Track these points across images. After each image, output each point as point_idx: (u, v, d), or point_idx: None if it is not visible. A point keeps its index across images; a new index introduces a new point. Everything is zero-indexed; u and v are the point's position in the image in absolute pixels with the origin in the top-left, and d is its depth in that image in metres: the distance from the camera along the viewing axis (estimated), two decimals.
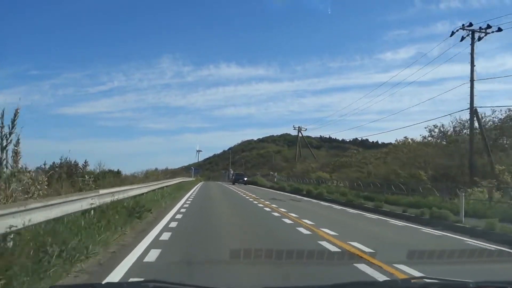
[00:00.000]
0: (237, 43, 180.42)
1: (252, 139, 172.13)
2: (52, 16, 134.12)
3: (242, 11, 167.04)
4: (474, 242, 8.55)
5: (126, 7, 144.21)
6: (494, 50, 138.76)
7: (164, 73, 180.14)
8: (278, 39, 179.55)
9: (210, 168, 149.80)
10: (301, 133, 60.59)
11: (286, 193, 29.23)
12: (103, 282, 2.61)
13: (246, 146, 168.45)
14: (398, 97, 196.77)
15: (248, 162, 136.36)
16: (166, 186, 23.57)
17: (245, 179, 51.89)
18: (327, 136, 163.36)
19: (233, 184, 47.91)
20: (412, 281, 2.23)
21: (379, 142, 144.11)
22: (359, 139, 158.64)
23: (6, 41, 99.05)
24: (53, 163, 42.71)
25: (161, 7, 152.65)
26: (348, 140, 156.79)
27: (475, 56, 21.37)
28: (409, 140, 43.81)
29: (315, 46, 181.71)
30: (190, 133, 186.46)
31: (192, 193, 23.26)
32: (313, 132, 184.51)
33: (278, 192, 31.59)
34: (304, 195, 26.21)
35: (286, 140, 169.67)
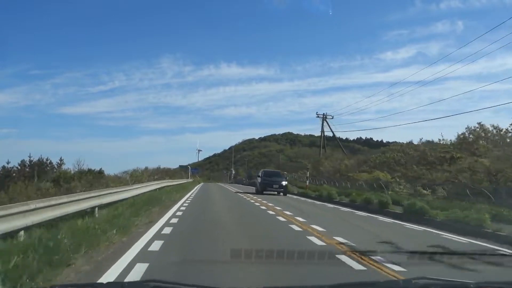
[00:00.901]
0: (238, 43, 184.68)
1: (254, 138, 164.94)
2: (53, 16, 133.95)
3: (242, 12, 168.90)
4: None
5: (126, 7, 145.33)
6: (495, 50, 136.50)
7: (164, 73, 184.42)
8: (279, 39, 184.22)
9: (211, 167, 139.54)
10: (327, 122, 46.82)
11: (357, 211, 15.29)
12: (104, 282, 2.25)
13: (248, 145, 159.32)
14: (398, 97, 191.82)
15: (249, 161, 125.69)
16: (117, 202, 9.88)
17: (284, 184, 26.15)
18: (331, 135, 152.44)
19: (260, 192, 25.81)
20: (413, 281, 2.16)
21: (384, 141, 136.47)
22: (363, 138, 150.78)
23: (7, 41, 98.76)
24: (22, 161, 28.75)
25: (161, 7, 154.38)
26: (351, 139, 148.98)
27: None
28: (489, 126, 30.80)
29: (315, 46, 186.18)
30: (191, 133, 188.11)
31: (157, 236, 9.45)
32: (316, 131, 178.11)
33: (336, 207, 17.54)
34: (405, 218, 12.38)
35: (289, 139, 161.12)
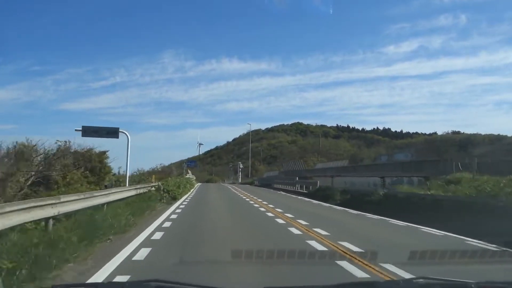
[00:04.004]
0: (239, 38, 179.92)
1: (260, 129, 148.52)
2: (54, 12, 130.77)
3: (244, 7, 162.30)
4: None
5: (127, 2, 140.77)
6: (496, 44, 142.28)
7: (166, 68, 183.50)
8: (280, 34, 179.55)
9: (212, 162, 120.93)
10: None
11: None
12: (105, 282, 2.25)
13: (254, 136, 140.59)
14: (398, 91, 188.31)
15: (257, 154, 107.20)
16: None
17: None
18: (346, 126, 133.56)
19: None
20: (414, 281, 2.17)
21: (403, 131, 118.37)
22: (381, 128, 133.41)
23: (8, 38, 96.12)
24: None
25: (162, 2, 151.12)
26: (368, 130, 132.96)
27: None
28: None
29: (317, 41, 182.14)
30: (192, 128, 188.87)
31: None
32: (329, 122, 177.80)
33: None
34: None
35: (299, 129, 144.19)
